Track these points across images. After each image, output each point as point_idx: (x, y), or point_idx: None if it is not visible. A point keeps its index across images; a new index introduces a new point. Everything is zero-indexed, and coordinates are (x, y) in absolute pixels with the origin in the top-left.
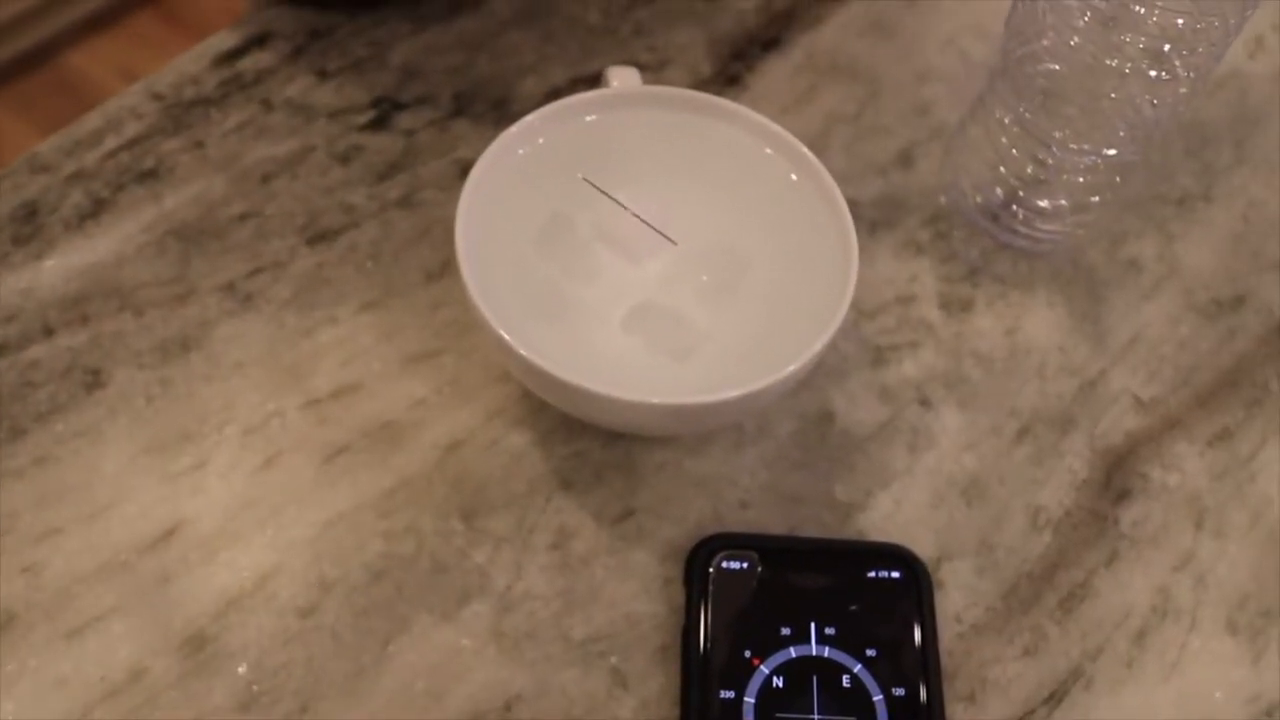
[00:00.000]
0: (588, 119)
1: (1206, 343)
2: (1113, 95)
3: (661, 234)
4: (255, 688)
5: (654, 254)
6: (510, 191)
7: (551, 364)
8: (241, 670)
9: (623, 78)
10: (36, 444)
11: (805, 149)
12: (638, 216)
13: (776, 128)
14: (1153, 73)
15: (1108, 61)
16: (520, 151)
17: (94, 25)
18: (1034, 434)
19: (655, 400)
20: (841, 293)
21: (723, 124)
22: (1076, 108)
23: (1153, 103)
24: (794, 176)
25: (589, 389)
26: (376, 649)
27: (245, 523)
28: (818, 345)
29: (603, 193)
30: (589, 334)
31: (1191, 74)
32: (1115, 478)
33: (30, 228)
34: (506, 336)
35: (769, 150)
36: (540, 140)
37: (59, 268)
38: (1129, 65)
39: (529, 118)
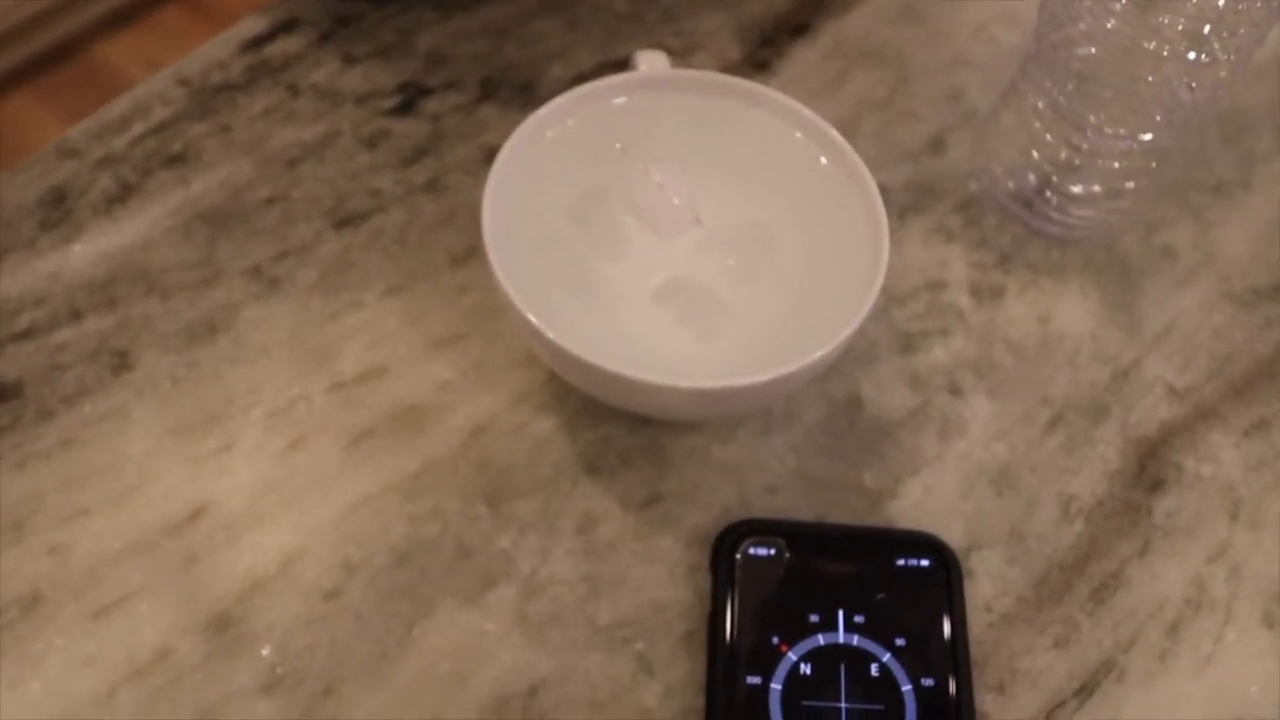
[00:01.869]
0: (616, 102)
1: (1243, 331)
2: (1150, 79)
3: (689, 213)
4: (279, 669)
5: (682, 236)
6: (538, 173)
7: (578, 346)
8: (266, 652)
9: (650, 62)
10: (64, 426)
11: (835, 132)
12: (665, 193)
13: (806, 111)
14: (1191, 55)
15: (1145, 44)
16: (548, 134)
17: (121, 18)
18: (1066, 422)
19: (683, 384)
20: (872, 277)
21: (751, 107)
22: (1112, 91)
23: (1191, 86)
24: (823, 160)
25: (616, 372)
26: (401, 632)
27: (270, 505)
28: (848, 330)
29: (637, 163)
30: (616, 317)
31: (1231, 57)
32: (1149, 467)
33: (59, 212)
34: (533, 319)
35: (798, 134)
36: (569, 122)
37: (87, 252)
38: (1167, 48)
39: (558, 100)
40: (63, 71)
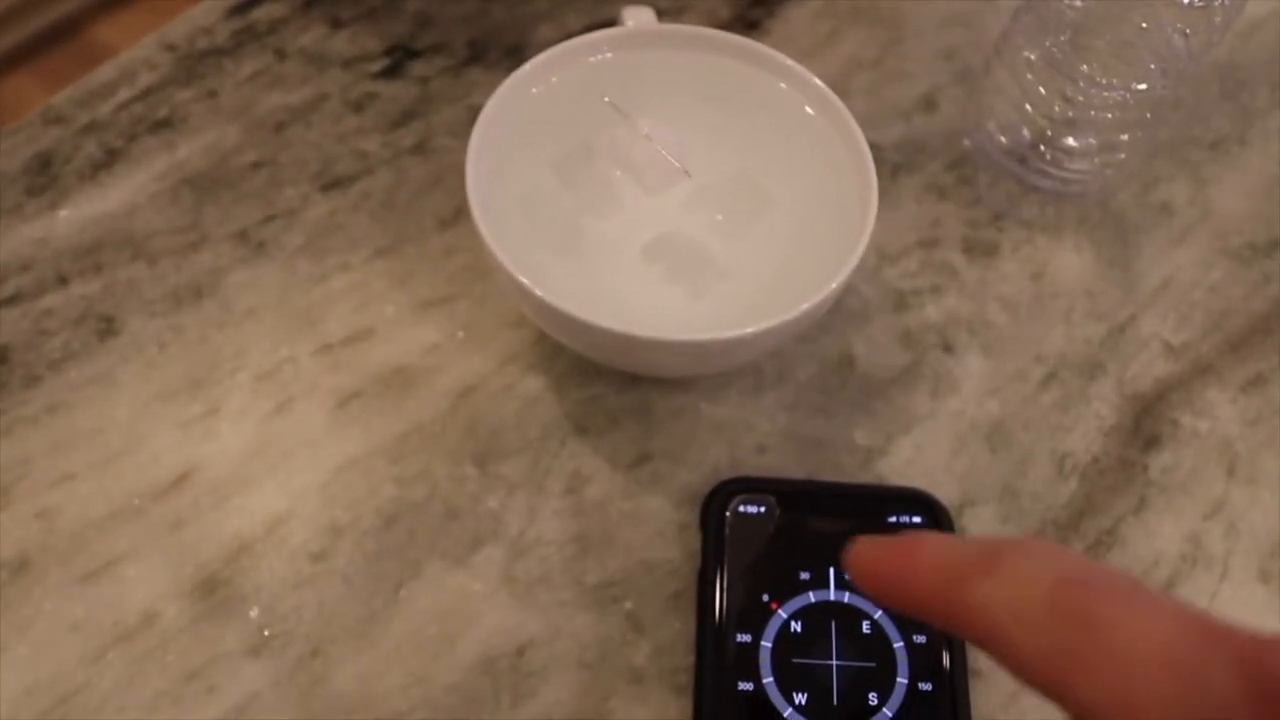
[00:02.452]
0: (602, 57)
1: (1240, 288)
2: (1143, 25)
3: (678, 166)
4: (266, 631)
5: (671, 190)
6: (522, 131)
7: (565, 302)
8: (253, 614)
9: (637, 17)
10: (50, 391)
11: (818, 81)
12: (652, 145)
13: (791, 62)
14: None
15: None
16: (533, 90)
17: None
18: (1060, 379)
19: (670, 336)
20: (861, 228)
21: (736, 61)
22: (1105, 40)
23: (1185, 33)
24: (809, 110)
25: (604, 327)
26: (388, 593)
27: (257, 468)
28: (835, 282)
29: (624, 115)
30: (605, 275)
31: (1225, 1)
32: (1144, 424)
33: (45, 178)
34: (520, 276)
35: (782, 85)
36: (553, 79)
37: (73, 218)
38: None
39: (541, 56)
40: (62, 52)
